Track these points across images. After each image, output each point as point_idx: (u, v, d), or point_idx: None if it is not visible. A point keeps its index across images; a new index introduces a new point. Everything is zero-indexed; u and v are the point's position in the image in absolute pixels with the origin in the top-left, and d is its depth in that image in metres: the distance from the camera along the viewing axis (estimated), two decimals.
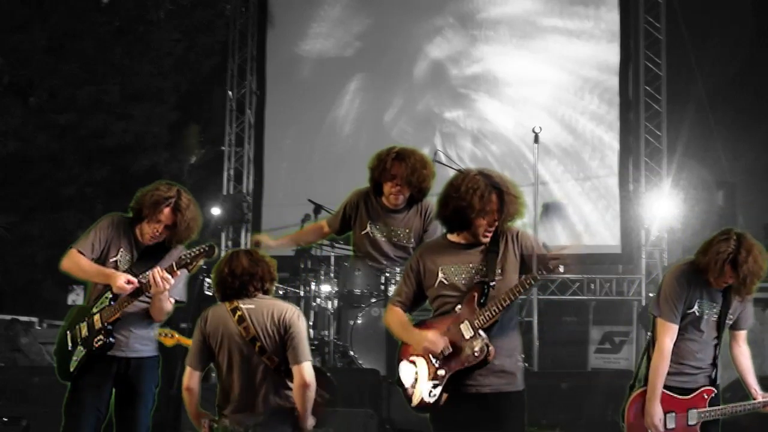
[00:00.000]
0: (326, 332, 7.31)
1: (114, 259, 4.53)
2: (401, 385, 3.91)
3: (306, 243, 7.27)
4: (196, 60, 13.09)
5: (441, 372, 3.74)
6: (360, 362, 6.77)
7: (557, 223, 10.09)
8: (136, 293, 4.40)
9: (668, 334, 4.26)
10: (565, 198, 10.21)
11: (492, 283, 3.76)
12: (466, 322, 3.76)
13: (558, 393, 6.55)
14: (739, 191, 10.18)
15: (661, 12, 10.35)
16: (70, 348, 4.48)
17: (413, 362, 3.86)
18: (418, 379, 3.81)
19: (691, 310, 4.28)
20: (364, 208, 6.15)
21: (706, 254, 4.19)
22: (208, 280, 10.09)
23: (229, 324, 4.14)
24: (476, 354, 3.70)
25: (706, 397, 4.32)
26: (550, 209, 10.01)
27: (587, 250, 9.98)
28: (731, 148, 11.11)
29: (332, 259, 8.03)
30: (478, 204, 3.69)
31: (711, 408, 4.31)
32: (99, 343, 4.42)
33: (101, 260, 4.53)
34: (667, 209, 9.97)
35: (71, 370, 4.47)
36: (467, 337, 3.74)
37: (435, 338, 3.76)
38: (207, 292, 10.02)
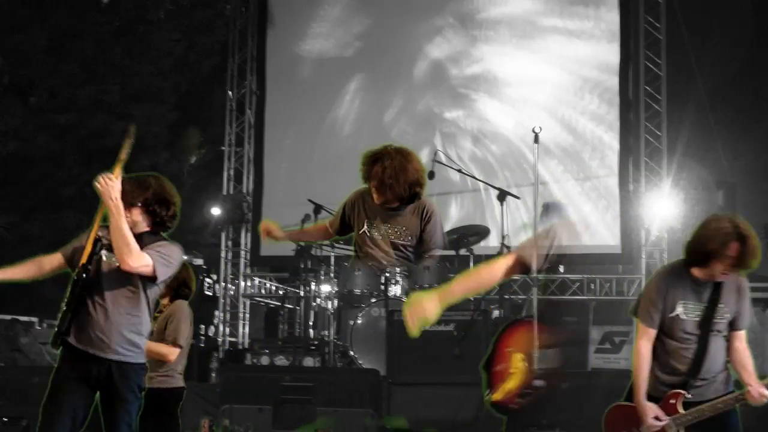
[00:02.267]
0: (326, 332, 7.31)
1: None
2: (487, 370, 3.71)
3: (310, 241, 7.29)
4: (196, 60, 13.10)
5: (538, 383, 3.65)
6: (360, 362, 6.77)
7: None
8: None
9: (644, 337, 4.21)
10: (565, 198, 10.20)
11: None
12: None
13: (558, 393, 6.53)
14: (739, 191, 10.19)
15: (661, 12, 10.34)
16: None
17: (509, 355, 3.72)
18: (510, 376, 3.65)
19: (674, 313, 4.17)
20: (362, 208, 6.18)
21: (704, 235, 4.08)
22: (208, 280, 10.13)
23: None
24: None
25: (673, 401, 4.15)
26: (550, 209, 10.00)
27: (587, 250, 9.98)
28: (731, 148, 11.12)
29: (332, 259, 8.03)
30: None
31: (687, 412, 4.13)
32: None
33: None
34: (667, 209, 9.96)
35: (56, 342, 4.26)
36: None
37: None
38: (207, 292, 10.05)
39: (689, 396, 4.15)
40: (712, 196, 9.96)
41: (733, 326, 4.24)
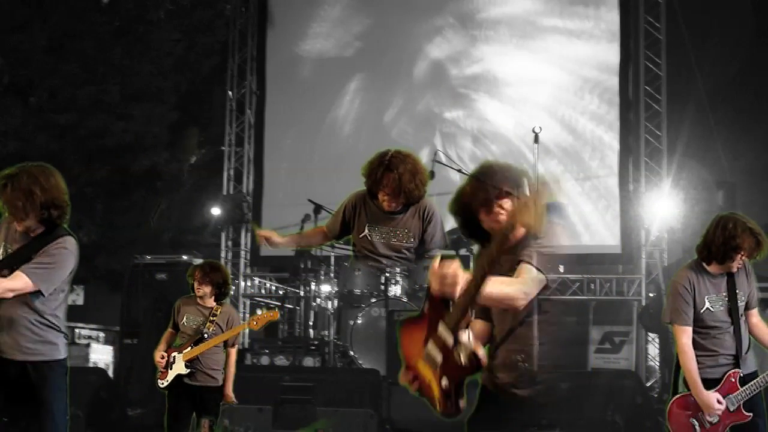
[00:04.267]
0: (326, 332, 7.31)
1: None
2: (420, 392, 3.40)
3: (308, 245, 7.29)
4: (196, 60, 13.09)
5: (443, 383, 3.28)
6: (360, 362, 6.77)
7: (557, 223, 10.08)
8: None
9: (684, 335, 4.52)
10: (565, 198, 10.19)
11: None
12: None
13: (558, 393, 6.52)
14: (739, 191, 10.18)
15: (661, 12, 10.34)
16: None
17: (417, 366, 3.35)
18: (431, 387, 3.35)
19: (704, 308, 4.52)
20: (362, 211, 6.16)
21: (714, 238, 4.52)
22: None
23: None
24: None
25: (734, 380, 4.46)
26: (550, 209, 10.01)
27: (587, 250, 9.98)
28: (731, 148, 11.11)
29: (332, 259, 8.03)
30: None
31: (746, 386, 4.46)
32: None
33: None
34: (667, 209, 9.96)
35: None
36: None
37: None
38: None
39: (743, 374, 4.51)
40: (712, 196, 9.95)
41: (747, 306, 4.62)
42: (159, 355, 5.76)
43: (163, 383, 5.77)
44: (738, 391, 4.45)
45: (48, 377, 4.01)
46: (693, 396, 4.47)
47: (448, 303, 3.16)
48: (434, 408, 3.27)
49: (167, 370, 5.75)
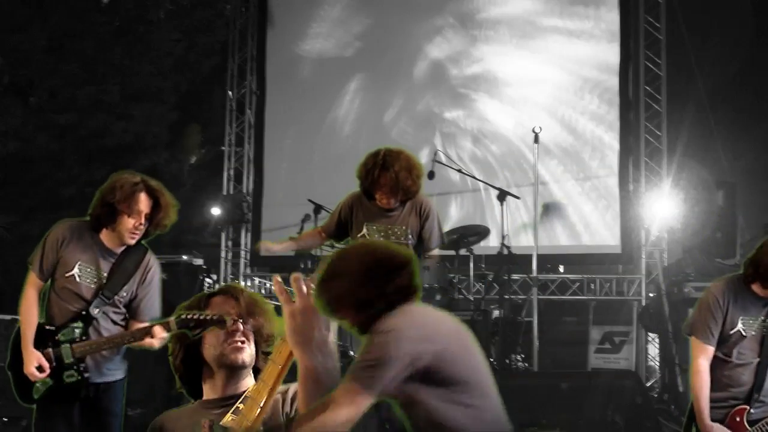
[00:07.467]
0: None
1: (69, 273, 4.28)
2: None
3: (306, 248, 7.28)
4: (196, 60, 13.10)
5: None
6: None
7: (557, 223, 10.09)
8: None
9: (703, 355, 3.98)
10: (565, 198, 10.20)
11: None
12: None
13: (558, 393, 6.54)
14: (739, 191, 10.17)
15: (661, 12, 10.35)
16: None
17: None
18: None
19: (735, 330, 4.00)
20: (359, 211, 6.17)
21: (764, 257, 3.93)
22: (208, 280, 10.12)
23: None
24: None
25: (738, 419, 3.95)
26: (550, 209, 10.02)
27: (587, 250, 9.98)
28: (731, 148, 11.10)
29: None
30: None
31: (759, 426, 3.95)
32: (71, 379, 4.18)
33: (54, 277, 4.27)
34: (667, 209, 9.96)
35: (35, 396, 4.19)
36: None
37: None
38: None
39: (752, 411, 3.99)
40: (712, 196, 9.93)
41: None
42: None
43: None
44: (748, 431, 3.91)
45: (115, 392, 4.41)
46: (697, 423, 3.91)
47: None
48: None
49: None
